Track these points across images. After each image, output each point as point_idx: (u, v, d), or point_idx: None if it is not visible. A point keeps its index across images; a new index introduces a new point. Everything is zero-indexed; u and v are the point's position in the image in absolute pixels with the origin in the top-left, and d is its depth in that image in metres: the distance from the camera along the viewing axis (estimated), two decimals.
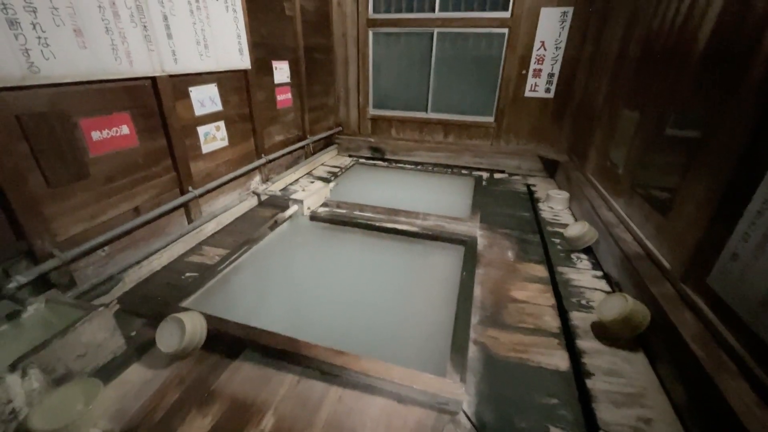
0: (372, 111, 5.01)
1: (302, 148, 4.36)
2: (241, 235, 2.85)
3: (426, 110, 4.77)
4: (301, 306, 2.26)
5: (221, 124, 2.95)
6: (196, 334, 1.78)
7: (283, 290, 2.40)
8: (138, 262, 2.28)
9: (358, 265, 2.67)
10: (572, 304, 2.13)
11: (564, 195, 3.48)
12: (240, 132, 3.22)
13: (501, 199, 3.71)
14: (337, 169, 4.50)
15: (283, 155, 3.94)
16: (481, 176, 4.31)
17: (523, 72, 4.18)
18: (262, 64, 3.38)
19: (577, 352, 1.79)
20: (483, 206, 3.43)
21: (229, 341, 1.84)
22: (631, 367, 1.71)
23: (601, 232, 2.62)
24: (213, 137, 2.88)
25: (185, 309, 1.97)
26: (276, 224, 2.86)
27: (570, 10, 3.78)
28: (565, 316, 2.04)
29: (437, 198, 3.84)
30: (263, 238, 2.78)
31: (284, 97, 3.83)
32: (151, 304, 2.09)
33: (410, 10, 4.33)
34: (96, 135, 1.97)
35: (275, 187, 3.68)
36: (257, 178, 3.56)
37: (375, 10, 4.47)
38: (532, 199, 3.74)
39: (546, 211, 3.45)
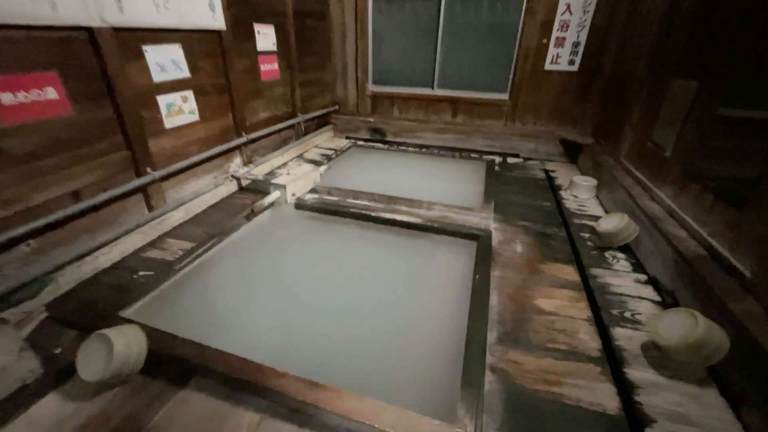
0: (372, 87, 4.51)
1: (292, 127, 3.90)
2: (214, 225, 2.43)
3: (432, 86, 4.26)
4: (277, 315, 1.85)
5: (189, 94, 2.49)
6: (130, 357, 1.37)
7: (256, 295, 1.98)
8: (78, 259, 1.87)
9: (349, 264, 2.24)
10: (613, 318, 1.69)
11: (591, 182, 3.01)
12: (215, 105, 2.76)
13: (517, 187, 3.25)
14: (331, 152, 4.04)
15: (269, 135, 3.48)
16: (493, 160, 3.83)
17: (544, 41, 3.64)
18: (241, 26, 2.90)
19: (628, 385, 1.36)
20: (497, 194, 2.97)
21: (176, 365, 1.44)
22: (704, 409, 1.27)
23: (643, 226, 2.16)
24: (179, 110, 2.43)
25: (126, 320, 1.56)
26: (253, 213, 2.43)
27: None
28: (606, 333, 1.61)
29: (444, 185, 3.38)
30: (237, 229, 2.35)
31: (270, 68, 3.34)
32: (88, 311, 1.68)
33: None
34: (6, 98, 1.53)
35: (259, 171, 3.24)
36: (237, 160, 3.11)
37: None
38: (552, 187, 3.27)
39: (569, 200, 2.98)
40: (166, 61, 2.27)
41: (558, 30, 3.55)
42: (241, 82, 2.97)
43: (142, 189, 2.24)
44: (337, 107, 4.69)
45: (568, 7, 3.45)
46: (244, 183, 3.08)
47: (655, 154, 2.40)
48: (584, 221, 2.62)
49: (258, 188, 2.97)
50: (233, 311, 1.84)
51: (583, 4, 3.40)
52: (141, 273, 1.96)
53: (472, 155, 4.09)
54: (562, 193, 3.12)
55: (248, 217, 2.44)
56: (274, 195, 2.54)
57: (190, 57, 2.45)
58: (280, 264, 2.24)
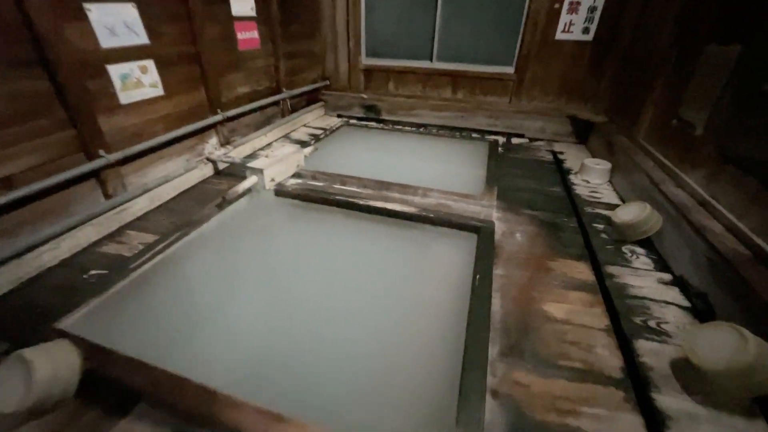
0: (365, 60, 4.13)
1: (277, 104, 3.56)
2: (183, 215, 2.16)
3: (431, 59, 3.89)
4: (248, 324, 1.60)
5: (149, 64, 2.16)
6: (57, 382, 1.13)
7: (225, 298, 1.73)
8: (16, 256, 1.61)
9: (333, 261, 1.98)
10: (636, 328, 1.45)
11: (604, 165, 2.72)
12: (183, 78, 2.44)
13: (522, 170, 2.96)
14: (321, 132, 3.72)
15: (250, 112, 3.16)
16: (496, 141, 3.52)
17: (556, 6, 3.26)
18: None
19: (657, 416, 1.13)
20: (500, 179, 2.69)
21: (118, 389, 1.20)
22: None
23: (667, 217, 1.89)
24: (137, 82, 2.11)
25: (61, 333, 1.32)
26: (225, 202, 2.15)
27: None
28: (628, 347, 1.37)
29: (442, 168, 3.09)
30: (207, 220, 2.08)
31: (248, 36, 2.98)
32: (21, 320, 1.44)
33: None
34: None
35: (239, 153, 2.94)
36: (213, 140, 2.81)
37: None
38: (561, 171, 2.98)
39: (580, 185, 2.70)
40: (116, 24, 1.93)
41: None
42: (213, 51, 2.63)
43: (95, 174, 1.95)
44: (327, 82, 4.32)
45: None
46: (221, 166, 2.79)
47: (683, 132, 2.10)
48: (597, 210, 2.35)
49: (237, 172, 2.68)
50: (196, 320, 1.59)
51: None
52: (93, 272, 1.71)
53: (474, 135, 3.77)
54: (572, 177, 2.83)
55: (220, 206, 2.16)
56: (249, 181, 2.26)
57: (149, 19, 2.11)
58: (256, 261, 1.98)
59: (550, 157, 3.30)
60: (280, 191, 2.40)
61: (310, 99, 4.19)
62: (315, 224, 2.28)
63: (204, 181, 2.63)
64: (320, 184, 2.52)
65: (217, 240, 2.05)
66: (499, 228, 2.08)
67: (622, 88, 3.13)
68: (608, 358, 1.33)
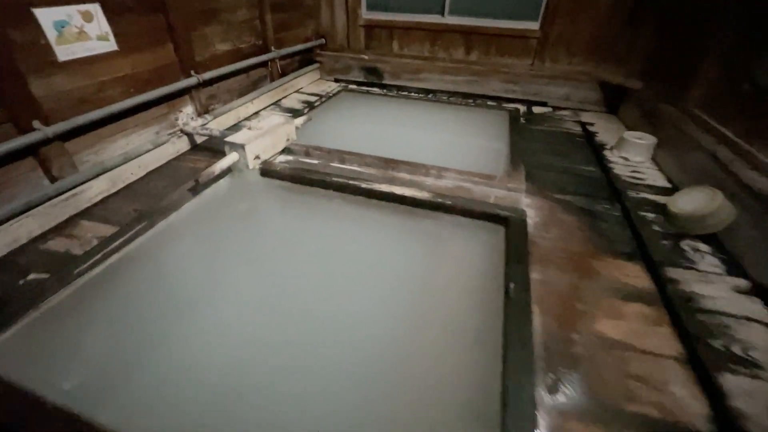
0: (366, 14, 3.59)
1: (265, 66, 3.08)
2: (151, 200, 1.79)
3: (442, 12, 3.36)
4: (222, 339, 1.29)
5: (94, 9, 1.71)
6: None
7: (198, 305, 1.41)
8: None
9: (331, 257, 1.65)
10: (717, 355, 1.14)
11: (648, 140, 2.32)
12: (143, 29, 1.98)
13: (548, 144, 2.56)
14: (316, 99, 3.26)
15: (232, 74, 2.70)
16: (517, 110, 3.09)
17: None
18: None
19: None
20: (525, 155, 2.30)
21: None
22: None
23: (742, 207, 1.54)
24: (79, 33, 1.67)
25: None
26: (198, 185, 1.78)
27: None
28: (711, 383, 1.06)
29: (457, 141, 2.68)
30: (178, 207, 1.73)
31: None
32: None
33: None
34: None
35: (219, 124, 2.53)
36: (189, 108, 2.38)
37: None
38: (593, 145, 2.59)
39: (618, 163, 2.32)
40: None
41: None
42: None
43: (31, 151, 1.57)
44: (323, 41, 3.79)
45: None
46: (199, 140, 2.39)
47: (758, 99, 1.70)
48: (642, 194, 1.99)
49: (218, 146, 2.27)
50: (162, 338, 1.28)
51: None
52: (32, 276, 1.38)
53: (489, 103, 3.32)
54: (608, 153, 2.44)
55: (194, 191, 1.79)
56: (228, 159, 1.87)
57: None
58: (238, 257, 1.64)
59: (578, 128, 2.89)
60: (267, 171, 2.02)
61: (303, 61, 3.69)
62: (309, 211, 1.92)
63: (178, 158, 2.24)
64: (315, 162, 2.14)
65: (190, 232, 1.70)
66: (532, 218, 1.73)
67: (665, 46, 2.66)
68: (688, 400, 1.03)
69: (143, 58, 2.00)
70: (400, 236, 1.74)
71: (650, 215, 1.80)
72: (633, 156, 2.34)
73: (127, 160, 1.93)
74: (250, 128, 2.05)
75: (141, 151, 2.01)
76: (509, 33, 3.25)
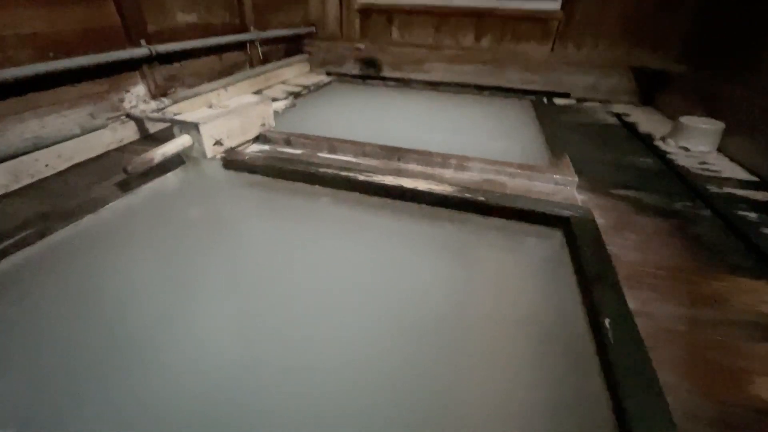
0: None
1: (242, 48, 2.62)
2: (66, 200, 1.27)
3: None
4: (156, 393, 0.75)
5: None
6: None
7: (119, 352, 0.87)
8: None
9: (320, 277, 1.12)
10: None
11: (714, 125, 1.87)
12: None
13: (584, 136, 2.11)
14: (304, 90, 2.80)
15: (199, 52, 2.22)
16: (541, 98, 2.65)
17: None
18: None
19: None
20: (563, 147, 1.83)
21: None
22: None
23: None
24: None
25: None
26: (128, 175, 1.26)
27: None
28: None
29: (476, 130, 2.17)
30: (95, 209, 1.21)
31: None
32: None
33: None
34: None
35: (181, 111, 2.03)
36: (139, 88, 1.88)
37: None
38: (638, 136, 2.13)
39: (679, 155, 1.86)
40: None
41: None
42: None
43: None
44: (313, 29, 3.36)
45: None
46: (153, 128, 1.89)
47: None
48: (727, 189, 1.52)
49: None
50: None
51: None
52: None
53: (505, 94, 2.89)
54: (660, 144, 1.98)
55: (124, 185, 1.28)
56: (176, 143, 1.37)
57: None
58: (183, 277, 1.11)
59: (613, 119, 2.44)
60: (232, 162, 1.51)
61: (289, 51, 3.24)
62: (286, 214, 1.40)
63: (120, 149, 1.73)
64: (297, 151, 1.64)
65: (115, 243, 1.18)
66: (600, 219, 1.24)
67: (717, 22, 2.24)
68: None
69: (67, 14, 1.51)
70: (412, 246, 1.23)
71: (752, 215, 1.32)
72: (695, 145, 1.89)
73: (38, 147, 1.42)
74: (211, 106, 1.55)
75: (62, 136, 1.49)
76: (526, 15, 2.84)
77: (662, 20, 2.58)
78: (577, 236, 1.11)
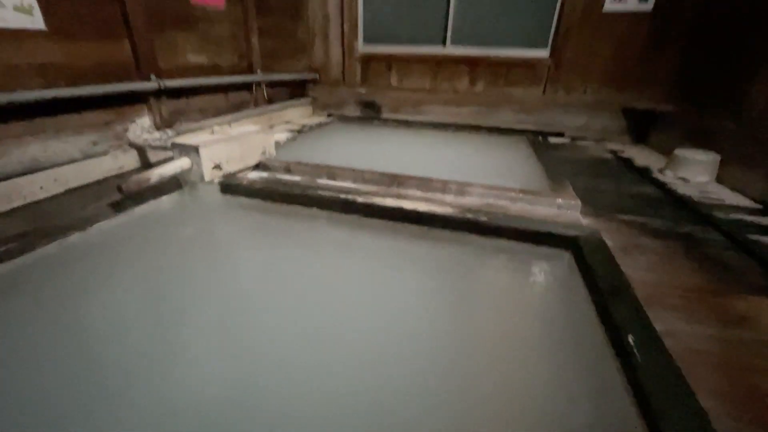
0: (362, 47, 3.40)
1: (248, 89, 2.74)
2: (52, 219, 1.23)
3: (443, 42, 3.16)
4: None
5: None
6: None
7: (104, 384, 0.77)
8: None
9: (311, 299, 1.04)
10: None
11: (710, 157, 1.90)
12: (88, 14, 1.59)
13: (582, 168, 2.13)
14: (305, 127, 2.88)
15: (206, 90, 2.32)
16: (536, 136, 2.72)
17: None
18: None
19: None
20: (562, 177, 1.84)
21: None
22: None
23: None
24: None
25: None
26: (123, 194, 1.23)
27: None
28: None
29: (475, 161, 2.19)
30: (84, 228, 1.16)
31: None
32: None
33: None
34: None
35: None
36: (144, 120, 1.93)
37: None
38: (635, 169, 2.15)
39: (678, 184, 1.86)
40: None
41: None
42: None
43: None
44: (316, 76, 3.56)
45: None
46: (154, 156, 1.90)
47: None
48: (734, 215, 1.49)
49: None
50: None
51: None
52: None
53: (500, 133, 2.97)
54: (659, 176, 1.99)
55: (118, 207, 1.25)
56: (175, 165, 1.36)
57: None
58: (167, 304, 1.03)
59: (608, 155, 2.49)
60: (230, 186, 1.50)
61: (294, 93, 3.40)
62: (284, 237, 1.35)
63: (120, 176, 1.72)
64: (296, 178, 1.63)
65: (99, 262, 1.11)
66: (610, 241, 1.19)
67: (701, 63, 2.38)
68: None
69: (83, 49, 1.59)
70: (416, 268, 1.16)
71: (765, 239, 1.28)
72: (693, 176, 1.89)
73: (35, 169, 1.41)
74: (213, 132, 1.57)
75: (60, 160, 1.49)
76: (517, 61, 3.03)
77: (647, 63, 2.74)
78: (587, 256, 1.06)
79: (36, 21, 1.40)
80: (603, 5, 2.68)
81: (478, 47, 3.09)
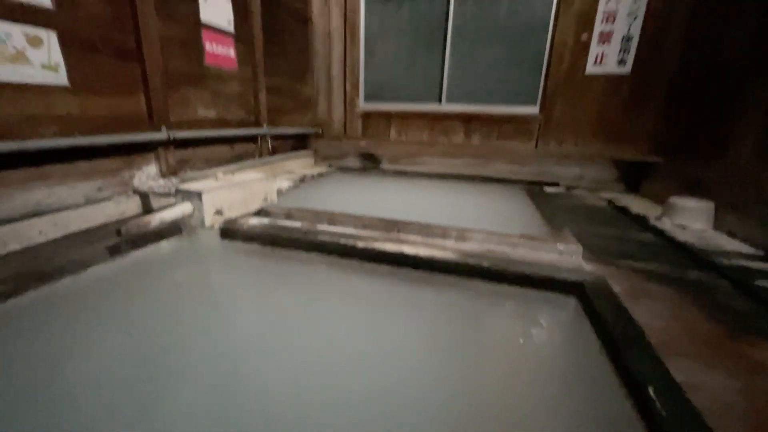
0: (363, 104, 3.62)
1: (253, 141, 2.86)
2: (44, 262, 1.21)
3: (439, 100, 3.38)
4: None
5: (48, 36, 1.45)
6: None
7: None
8: None
9: (309, 345, 0.99)
10: None
11: (704, 204, 1.93)
12: (110, 74, 1.72)
13: (581, 215, 2.15)
14: (307, 177, 2.96)
15: (213, 141, 2.42)
16: (532, 185, 2.79)
17: (584, 37, 2.86)
18: None
19: None
20: (561, 223, 1.85)
21: None
22: None
23: None
24: (17, 55, 1.36)
25: None
26: (121, 238, 1.22)
27: None
28: None
29: (474, 209, 2.22)
30: (78, 271, 1.13)
31: (221, 51, 2.40)
32: None
33: None
34: None
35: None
36: (151, 168, 1.98)
37: None
38: (632, 217, 2.18)
39: (677, 231, 1.87)
40: None
41: (602, 22, 2.78)
42: (166, 53, 1.98)
43: None
44: (319, 130, 3.74)
45: None
46: (156, 203, 1.92)
47: None
48: (737, 261, 1.48)
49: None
50: None
51: None
52: None
53: (497, 183, 3.05)
54: (657, 223, 2.01)
55: (114, 250, 1.23)
56: (177, 209, 1.37)
57: None
58: (156, 352, 0.97)
59: (604, 203, 2.53)
60: (230, 231, 1.49)
61: (297, 146, 3.55)
62: (282, 283, 1.32)
63: (121, 221, 1.72)
64: (296, 224, 1.64)
65: (89, 307, 1.07)
66: (616, 287, 1.16)
67: (684, 118, 2.53)
68: None
69: (101, 102, 1.68)
70: (418, 316, 1.12)
71: None
72: (691, 223, 1.91)
73: (36, 214, 1.41)
74: (217, 179, 1.61)
75: (62, 205, 1.51)
76: (509, 118, 3.21)
77: (632, 119, 2.90)
78: (595, 302, 1.02)
79: (60, 78, 1.51)
80: (585, 68, 2.91)
81: (471, 104, 3.30)
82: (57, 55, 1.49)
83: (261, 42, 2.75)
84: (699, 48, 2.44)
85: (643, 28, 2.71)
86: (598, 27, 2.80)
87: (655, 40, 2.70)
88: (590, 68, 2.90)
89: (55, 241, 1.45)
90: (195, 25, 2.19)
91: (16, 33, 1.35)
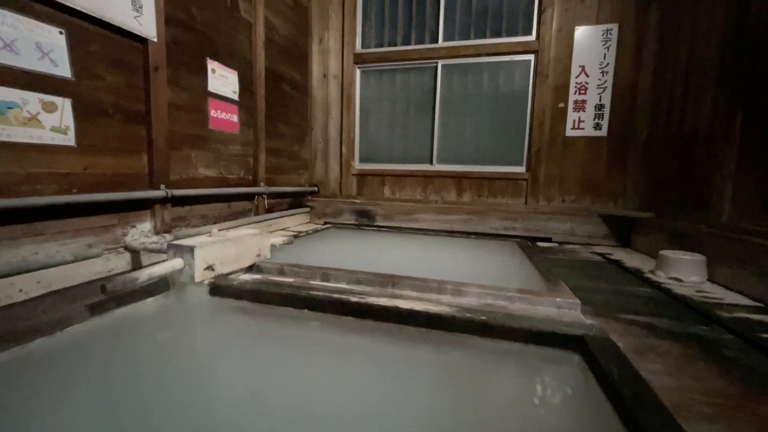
0: (358, 165, 3.78)
1: (251, 199, 2.92)
2: (18, 322, 1.14)
3: (431, 161, 3.55)
4: None
5: (62, 103, 1.54)
6: None
7: None
8: None
9: (298, 409, 0.91)
10: None
11: (696, 257, 1.95)
12: (116, 136, 1.80)
13: (576, 270, 2.14)
14: (302, 233, 2.97)
15: (210, 199, 2.46)
16: (526, 240, 2.81)
17: (561, 105, 3.12)
18: (184, 52, 2.19)
19: None
20: (557, 277, 1.84)
21: None
22: None
23: None
24: (29, 119, 1.43)
25: None
26: (105, 295, 1.18)
27: (614, 27, 2.93)
28: None
29: (469, 264, 2.21)
30: (53, 332, 1.07)
31: (225, 117, 2.56)
32: None
33: (407, 42, 3.50)
34: None
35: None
36: (145, 225, 1.98)
37: (364, 45, 3.65)
38: (627, 270, 2.18)
39: (674, 285, 1.85)
40: (20, 40, 1.39)
41: (575, 93, 3.06)
42: (172, 118, 2.10)
43: None
44: (316, 189, 3.85)
45: (583, 69, 3.03)
46: (146, 260, 1.88)
47: None
48: (738, 314, 1.45)
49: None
50: None
51: (599, 65, 2.99)
52: None
53: (490, 238, 3.08)
54: (651, 276, 2.01)
55: (95, 309, 1.18)
56: (167, 265, 1.34)
57: (80, 54, 1.60)
58: (135, 420, 0.88)
59: (598, 257, 2.54)
60: (220, 288, 1.45)
61: (293, 204, 3.62)
62: (275, 341, 1.25)
63: (109, 278, 1.67)
64: (290, 279, 1.61)
65: (62, 371, 0.99)
66: (620, 342, 1.12)
67: (664, 176, 2.66)
68: None
69: (103, 162, 1.74)
70: (414, 375, 1.05)
71: None
72: (686, 276, 1.91)
73: (21, 271, 1.37)
74: (211, 235, 1.60)
75: (48, 262, 1.47)
76: (498, 176, 3.35)
77: (614, 177, 3.05)
78: (599, 358, 0.98)
79: (68, 139, 1.58)
80: (565, 131, 3.13)
81: (461, 165, 3.46)
82: (68, 119, 1.57)
83: (263, 108, 2.96)
84: (666, 114, 2.66)
85: (613, 98, 2.98)
86: (573, 96, 3.07)
87: (625, 108, 2.95)
88: (570, 131, 3.12)
89: (37, 299, 1.39)
90: (202, 94, 2.36)
91: (32, 99, 1.44)
